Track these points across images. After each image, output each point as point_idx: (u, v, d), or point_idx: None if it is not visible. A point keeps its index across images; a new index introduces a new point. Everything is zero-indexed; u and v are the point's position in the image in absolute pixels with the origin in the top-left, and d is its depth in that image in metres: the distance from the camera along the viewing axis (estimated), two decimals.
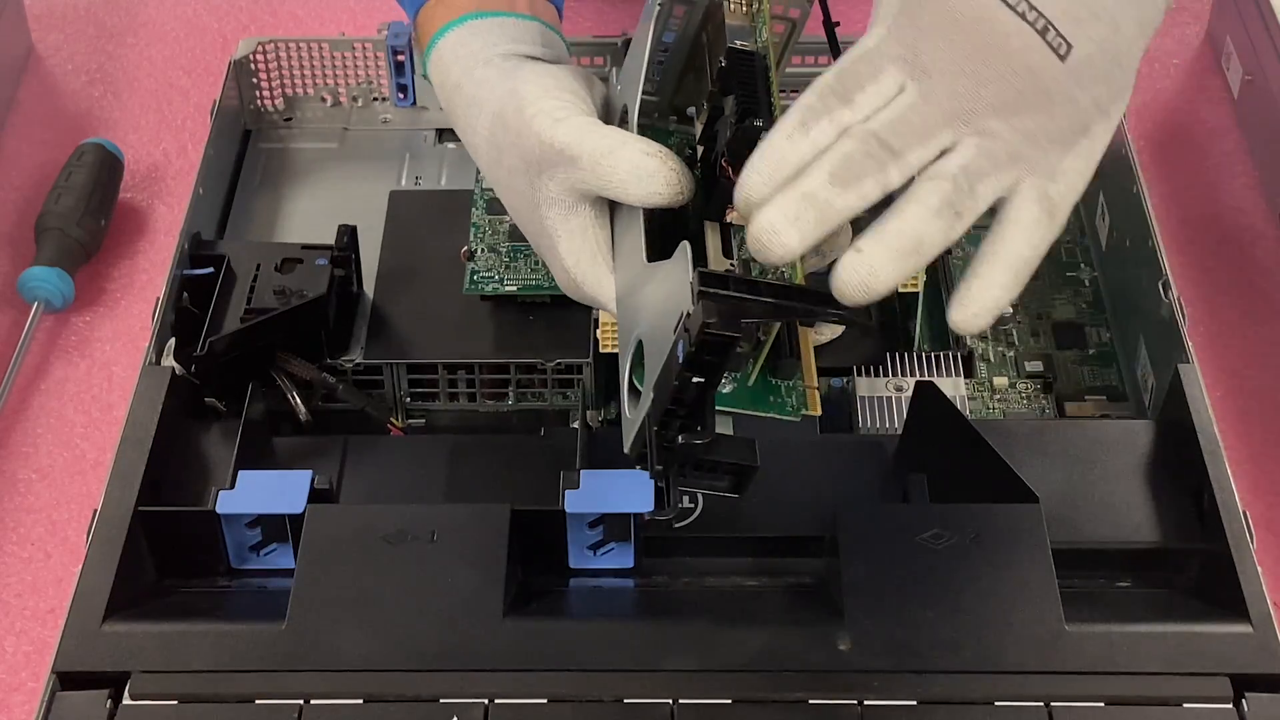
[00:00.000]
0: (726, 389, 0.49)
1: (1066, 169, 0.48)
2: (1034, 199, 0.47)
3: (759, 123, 0.49)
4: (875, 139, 0.45)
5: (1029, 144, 0.47)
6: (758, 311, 0.45)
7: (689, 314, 0.43)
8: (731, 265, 0.51)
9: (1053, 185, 0.48)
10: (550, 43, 0.57)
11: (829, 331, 0.55)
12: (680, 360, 0.43)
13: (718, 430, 0.47)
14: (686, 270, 0.45)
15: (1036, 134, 0.47)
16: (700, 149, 0.54)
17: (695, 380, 0.44)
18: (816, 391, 0.49)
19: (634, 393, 0.49)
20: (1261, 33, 0.80)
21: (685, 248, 0.46)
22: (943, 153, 0.46)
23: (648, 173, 0.49)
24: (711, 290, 0.44)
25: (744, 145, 0.48)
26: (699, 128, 0.55)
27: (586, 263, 0.52)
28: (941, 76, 0.47)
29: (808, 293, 0.45)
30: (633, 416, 0.48)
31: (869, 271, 0.44)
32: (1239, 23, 0.83)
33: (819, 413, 0.49)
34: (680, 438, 0.46)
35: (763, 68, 0.52)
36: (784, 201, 0.44)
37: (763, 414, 0.49)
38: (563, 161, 0.50)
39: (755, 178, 0.45)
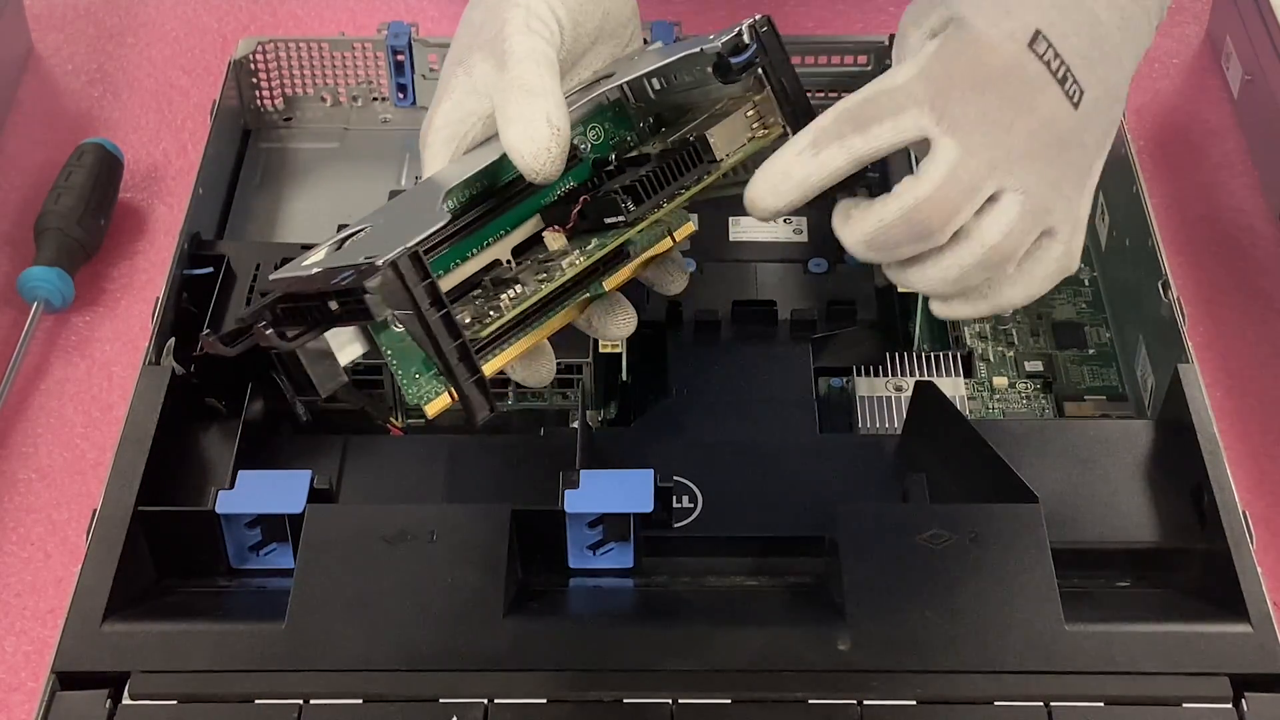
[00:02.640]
0: (399, 327, 0.47)
1: (1081, 215, 0.51)
2: (1058, 254, 0.50)
3: (628, 206, 0.48)
4: (933, 211, 0.48)
5: (1054, 193, 0.49)
6: (411, 324, 0.44)
7: (379, 264, 0.43)
8: (509, 262, 0.50)
9: (1075, 237, 0.51)
10: None
11: (616, 330, 0.53)
12: (336, 282, 0.43)
13: (350, 350, 0.47)
14: (416, 239, 0.45)
15: (1059, 182, 0.49)
16: (607, 162, 0.52)
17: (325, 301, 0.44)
18: (442, 403, 0.48)
19: (335, 247, 0.49)
20: (1261, 33, 0.80)
21: (441, 212, 0.46)
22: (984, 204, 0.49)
23: (531, 134, 0.47)
24: (404, 270, 0.43)
25: (600, 207, 0.49)
26: (630, 143, 0.54)
27: (444, 134, 0.52)
28: (974, 128, 0.48)
29: (469, 360, 0.45)
30: (317, 258, 0.48)
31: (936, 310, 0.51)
32: (1239, 23, 0.83)
33: (428, 417, 0.49)
34: (289, 331, 0.45)
35: (699, 175, 0.50)
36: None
37: (394, 374, 0.48)
38: (496, 60, 0.50)
39: (762, 187, 0.48)
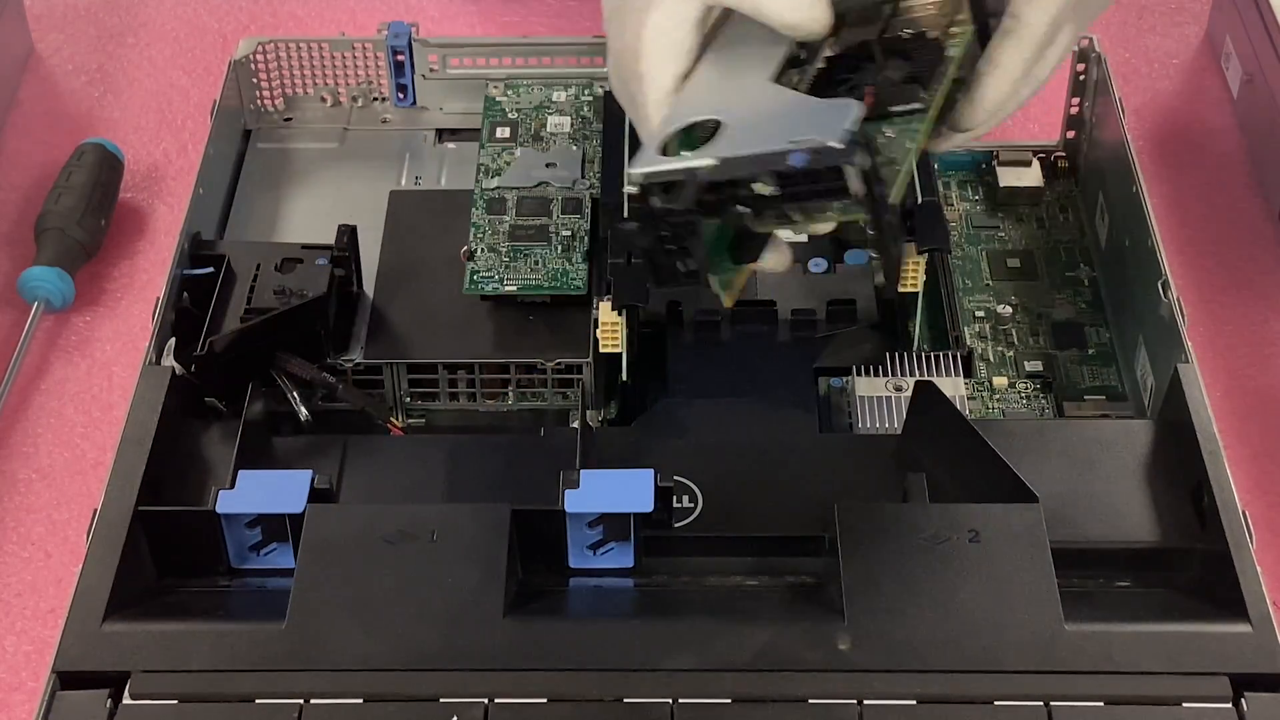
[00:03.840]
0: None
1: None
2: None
3: (922, 94, 0.51)
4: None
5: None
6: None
7: (830, 146, 0.46)
8: None
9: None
10: None
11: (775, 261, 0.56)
12: (789, 164, 0.46)
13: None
14: (847, 117, 0.47)
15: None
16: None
17: (757, 190, 0.47)
18: (738, 289, 0.53)
19: (643, 154, 0.50)
20: (1261, 33, 0.80)
21: (855, 104, 0.48)
22: None
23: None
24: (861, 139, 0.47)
25: (895, 94, 0.51)
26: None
27: (662, 43, 0.51)
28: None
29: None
30: (659, 168, 0.49)
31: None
32: (1239, 23, 0.83)
33: (726, 305, 0.55)
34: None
35: (943, 71, 0.52)
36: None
37: (707, 260, 0.51)
38: None
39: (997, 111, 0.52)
